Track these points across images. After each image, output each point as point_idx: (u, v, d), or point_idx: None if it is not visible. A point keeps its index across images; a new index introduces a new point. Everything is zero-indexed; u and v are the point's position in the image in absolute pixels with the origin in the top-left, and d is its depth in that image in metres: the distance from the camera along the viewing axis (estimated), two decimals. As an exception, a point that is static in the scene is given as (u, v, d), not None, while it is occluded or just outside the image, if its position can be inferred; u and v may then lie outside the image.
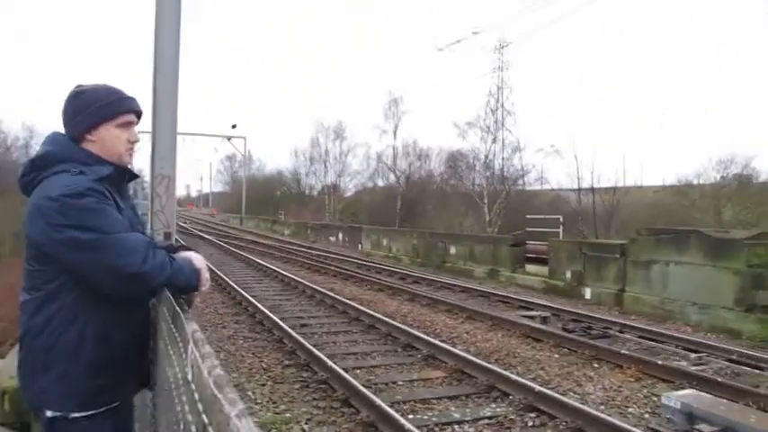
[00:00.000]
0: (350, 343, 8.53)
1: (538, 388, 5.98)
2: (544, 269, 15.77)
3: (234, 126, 49.31)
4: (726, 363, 7.65)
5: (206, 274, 2.12)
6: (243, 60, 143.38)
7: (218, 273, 14.76)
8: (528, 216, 22.32)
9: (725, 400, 5.65)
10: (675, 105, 53.54)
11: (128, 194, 2.25)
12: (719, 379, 6.70)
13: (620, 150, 57.71)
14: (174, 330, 1.86)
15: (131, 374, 2.15)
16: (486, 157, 34.94)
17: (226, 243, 26.56)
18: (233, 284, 13.00)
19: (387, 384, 6.54)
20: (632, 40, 63.11)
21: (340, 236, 30.04)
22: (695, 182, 27.36)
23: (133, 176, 2.26)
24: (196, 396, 1.47)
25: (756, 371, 7.35)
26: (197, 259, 2.12)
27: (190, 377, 1.54)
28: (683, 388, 6.27)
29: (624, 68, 61.19)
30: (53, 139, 2.10)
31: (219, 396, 1.32)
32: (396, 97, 41.90)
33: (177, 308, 1.95)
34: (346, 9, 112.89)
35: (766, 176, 25.52)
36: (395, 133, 42.44)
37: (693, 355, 7.98)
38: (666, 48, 60.46)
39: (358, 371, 6.93)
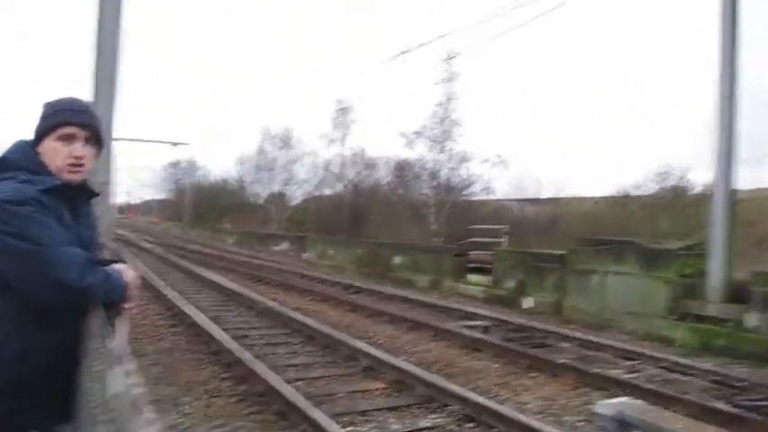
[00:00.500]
0: (290, 354, 8.42)
1: (476, 398, 6.04)
2: (487, 278, 16.00)
3: (178, 133, 48.38)
4: (658, 370, 7.90)
5: (134, 291, 2.06)
6: (187, 66, 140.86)
7: (156, 284, 14.36)
8: (470, 227, 22.58)
9: (655, 408, 5.81)
10: (620, 116, 55.09)
11: (87, 212, 2.15)
12: (651, 386, 6.92)
13: (563, 161, 59.13)
14: (100, 346, 1.79)
15: (49, 404, 1.96)
16: (433, 167, 35.22)
17: (167, 252, 25.93)
18: (171, 296, 12.66)
19: (327, 396, 6.47)
20: (585, 48, 64.64)
21: (285, 245, 29.81)
22: (634, 193, 28.27)
23: (93, 194, 2.19)
24: (115, 415, 1.42)
25: (686, 377, 7.63)
26: (127, 272, 2.06)
27: (109, 395, 1.49)
28: (617, 396, 6.44)
29: (572, 80, 62.58)
30: (15, 146, 2.07)
31: (136, 416, 1.29)
32: (345, 106, 41.79)
33: (104, 322, 1.89)
34: (306, 15, 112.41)
35: (701, 188, 26.55)
36: (343, 142, 42.33)
37: (628, 363, 8.22)
38: (621, 55, 62.34)
39: (299, 383, 6.84)
